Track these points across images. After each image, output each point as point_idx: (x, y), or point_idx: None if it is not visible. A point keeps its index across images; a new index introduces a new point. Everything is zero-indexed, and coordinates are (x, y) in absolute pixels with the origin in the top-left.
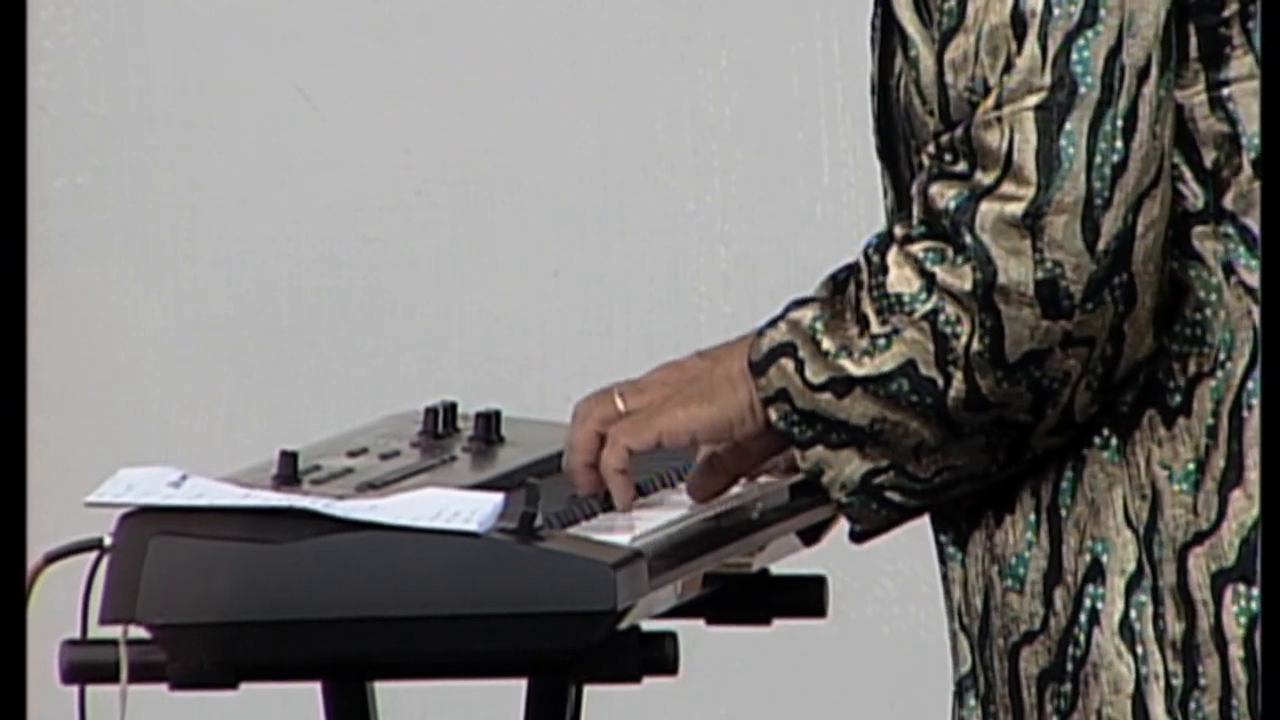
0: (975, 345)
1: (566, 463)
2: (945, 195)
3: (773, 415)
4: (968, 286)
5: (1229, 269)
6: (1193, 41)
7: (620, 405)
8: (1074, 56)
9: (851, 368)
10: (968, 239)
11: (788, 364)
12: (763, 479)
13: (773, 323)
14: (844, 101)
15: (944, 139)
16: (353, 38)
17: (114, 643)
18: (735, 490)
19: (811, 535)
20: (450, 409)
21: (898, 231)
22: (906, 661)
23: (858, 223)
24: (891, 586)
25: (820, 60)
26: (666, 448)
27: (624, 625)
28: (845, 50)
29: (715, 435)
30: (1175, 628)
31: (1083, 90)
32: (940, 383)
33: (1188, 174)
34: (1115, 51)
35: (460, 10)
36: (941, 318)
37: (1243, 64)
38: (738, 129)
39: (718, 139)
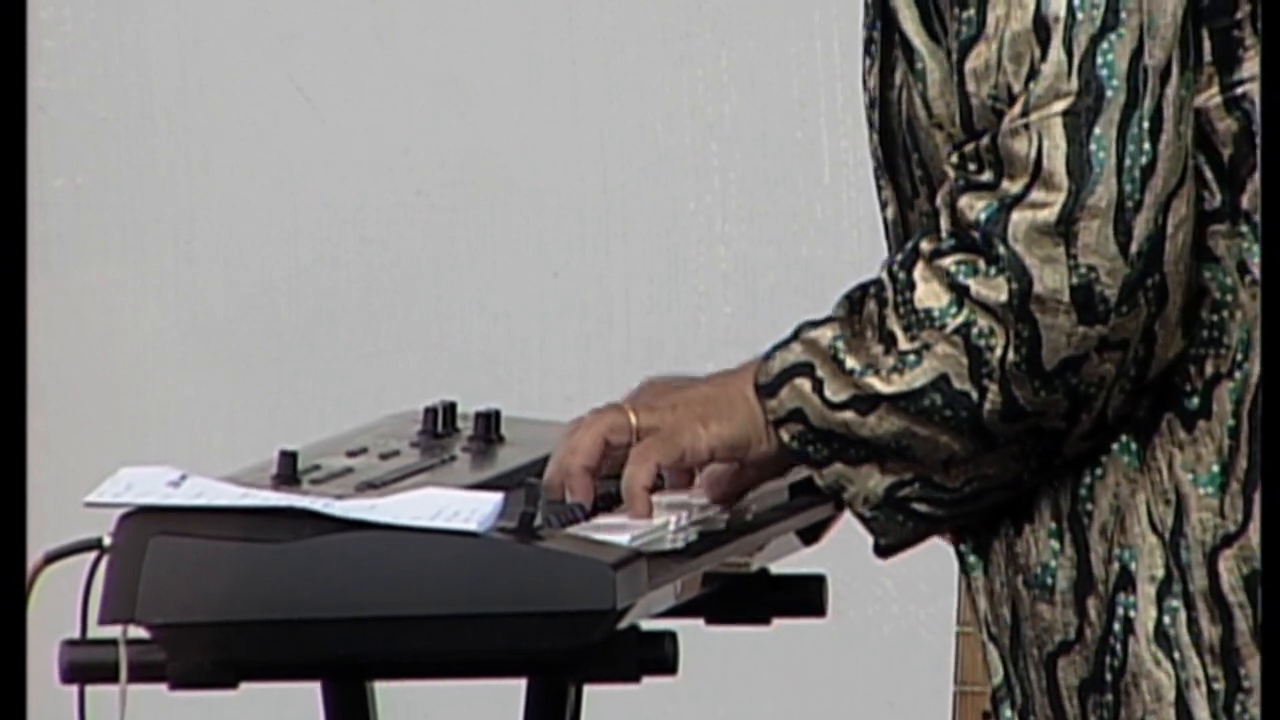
0: (1011, 356)
1: (563, 463)
2: (975, 207)
3: (784, 436)
4: (1003, 298)
5: (1243, 268)
6: (1206, 45)
7: (632, 419)
8: (1099, 60)
9: (879, 385)
10: (1000, 250)
11: (804, 384)
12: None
13: (783, 344)
14: (844, 101)
15: (968, 148)
16: (353, 38)
17: (113, 642)
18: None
19: (811, 535)
20: (450, 409)
21: (924, 246)
22: (906, 661)
23: (858, 223)
24: (891, 586)
25: (820, 60)
26: (687, 464)
27: (623, 625)
28: (845, 50)
29: (733, 454)
30: (1211, 632)
31: (1109, 94)
32: (974, 396)
33: (1208, 174)
34: (1138, 54)
35: (460, 10)
36: (974, 331)
37: (1256, 64)
38: (738, 129)
39: (718, 139)
